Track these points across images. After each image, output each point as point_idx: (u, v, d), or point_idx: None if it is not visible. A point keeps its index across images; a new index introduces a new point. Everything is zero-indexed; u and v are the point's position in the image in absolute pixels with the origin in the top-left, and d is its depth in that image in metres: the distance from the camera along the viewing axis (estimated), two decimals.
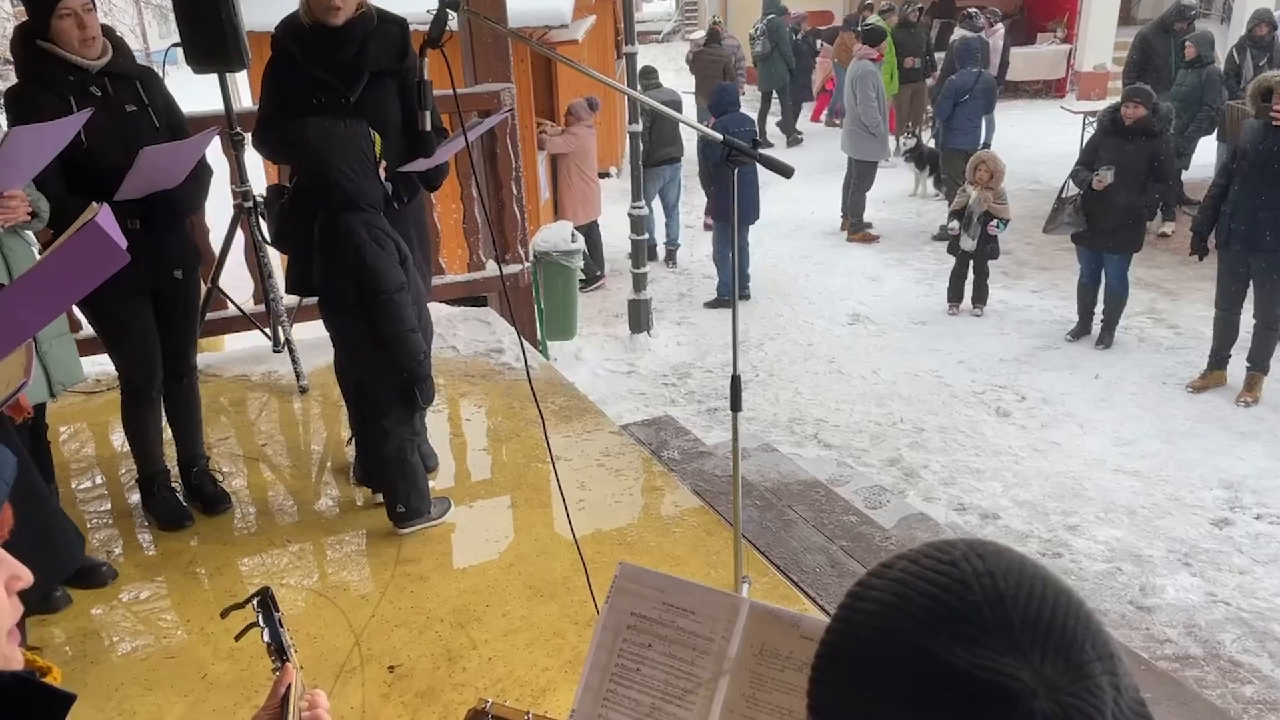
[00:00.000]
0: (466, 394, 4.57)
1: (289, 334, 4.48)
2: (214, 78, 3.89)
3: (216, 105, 4.06)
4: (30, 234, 2.77)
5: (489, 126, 3.83)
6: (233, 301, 4.59)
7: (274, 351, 4.66)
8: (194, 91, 4.87)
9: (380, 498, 3.60)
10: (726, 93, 7.83)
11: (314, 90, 3.09)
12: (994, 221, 7.33)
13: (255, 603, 1.46)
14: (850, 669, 0.71)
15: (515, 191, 4.84)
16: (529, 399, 4.49)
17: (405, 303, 3.11)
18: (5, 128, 2.72)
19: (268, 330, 4.62)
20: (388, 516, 3.46)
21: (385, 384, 3.24)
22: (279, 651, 1.40)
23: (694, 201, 11.46)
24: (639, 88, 9.16)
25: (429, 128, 2.30)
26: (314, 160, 2.97)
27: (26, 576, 0.83)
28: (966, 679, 0.65)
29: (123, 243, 1.91)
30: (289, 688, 1.33)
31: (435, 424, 4.10)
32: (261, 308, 4.63)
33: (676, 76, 15.09)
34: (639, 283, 7.36)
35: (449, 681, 2.82)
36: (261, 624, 1.43)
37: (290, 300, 4.58)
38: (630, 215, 7.14)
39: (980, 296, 7.77)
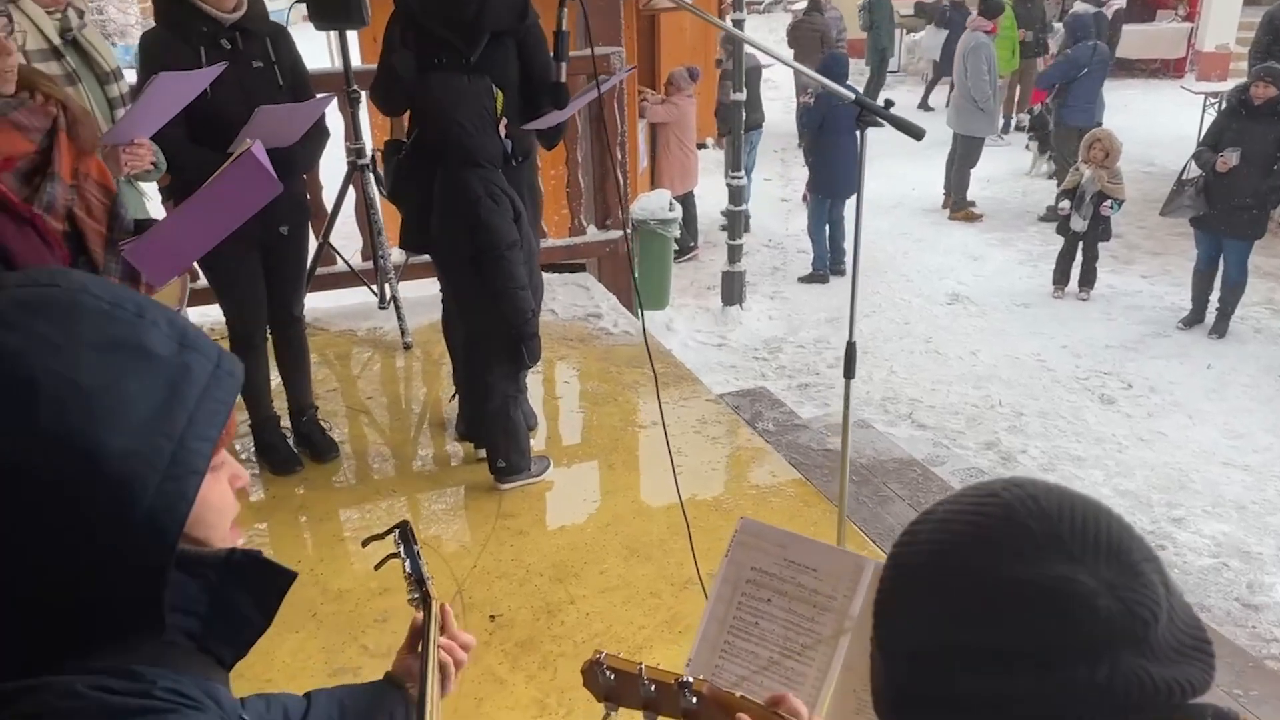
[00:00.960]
0: (565, 357, 4.61)
1: (395, 291, 4.57)
2: (322, 38, 3.95)
3: (319, 64, 4.15)
4: (143, 184, 2.85)
5: (614, 83, 3.84)
6: (342, 257, 4.70)
7: (379, 308, 4.77)
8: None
9: (481, 453, 3.67)
10: (836, 62, 7.70)
11: (435, 49, 3.12)
12: (1107, 202, 7.08)
13: (396, 534, 1.49)
14: (912, 601, 0.74)
15: (619, 157, 4.85)
16: (626, 364, 4.53)
17: (516, 260, 3.15)
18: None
19: (374, 287, 4.72)
20: (490, 471, 3.52)
21: (493, 340, 3.28)
22: (418, 582, 1.43)
23: (790, 174, 11.35)
24: (730, 54, 9.07)
25: (564, 79, 2.31)
26: (435, 114, 3.02)
27: (245, 477, 0.88)
28: (1030, 587, 0.68)
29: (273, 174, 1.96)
30: (428, 620, 1.36)
31: (534, 385, 4.15)
32: (369, 264, 4.74)
33: (775, 47, 14.88)
34: (734, 254, 7.32)
35: (548, 633, 2.87)
36: (403, 555, 1.46)
37: (397, 258, 4.68)
38: (728, 185, 7.09)
39: (1088, 279, 7.53)
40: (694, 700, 1.07)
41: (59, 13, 2.59)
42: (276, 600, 0.88)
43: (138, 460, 0.74)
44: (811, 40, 11.88)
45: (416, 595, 1.43)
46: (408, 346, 4.64)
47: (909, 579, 0.75)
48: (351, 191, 4.48)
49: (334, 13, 3.72)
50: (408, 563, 1.47)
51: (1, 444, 0.70)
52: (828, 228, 8.11)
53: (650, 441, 3.92)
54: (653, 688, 1.10)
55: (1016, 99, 12.18)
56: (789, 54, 12.81)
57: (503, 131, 3.08)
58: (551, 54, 2.31)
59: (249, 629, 0.88)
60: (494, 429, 3.45)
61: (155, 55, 2.83)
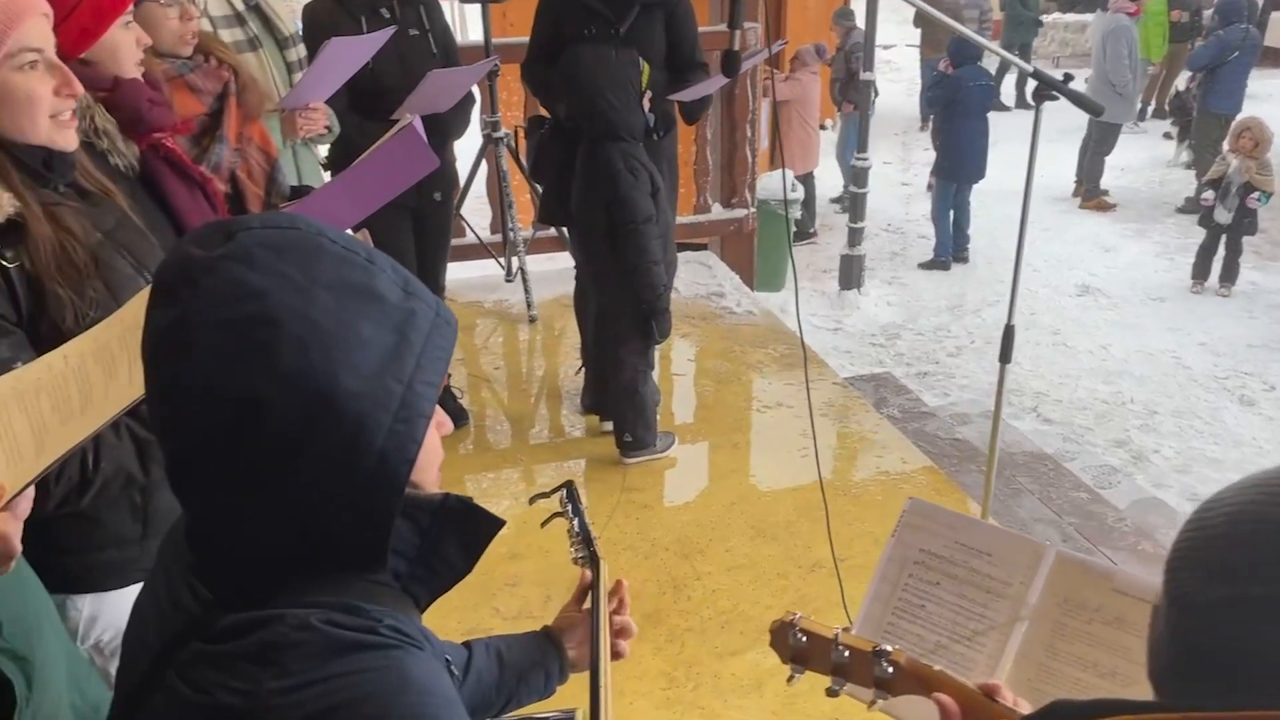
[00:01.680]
0: (687, 335, 4.60)
1: (523, 264, 4.63)
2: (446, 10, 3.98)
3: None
4: (318, 148, 2.94)
5: (761, 59, 3.81)
6: (472, 229, 4.78)
7: (506, 281, 4.84)
8: None
9: (606, 426, 3.70)
10: (969, 44, 7.47)
11: (585, 20, 3.14)
12: (1255, 194, 6.71)
13: (563, 494, 1.50)
14: (1219, 556, 0.72)
15: (749, 134, 4.80)
16: (749, 343, 4.51)
17: (651, 234, 3.16)
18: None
19: (502, 260, 4.79)
20: (616, 445, 3.54)
21: (625, 314, 3.30)
22: (585, 542, 1.45)
23: (910, 158, 11.09)
24: (850, 29, 8.89)
25: (736, 47, 2.30)
26: (582, 87, 3.04)
27: (449, 424, 0.89)
28: None
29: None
30: (597, 580, 1.37)
31: (657, 362, 4.16)
32: (498, 237, 4.81)
33: (898, 28, 14.53)
34: (854, 238, 7.18)
35: (674, 608, 2.88)
36: (570, 514, 1.48)
37: (526, 232, 4.73)
38: (854, 166, 6.95)
39: (1230, 275, 7.16)
40: (889, 670, 1.05)
41: None
42: (481, 547, 0.90)
43: (371, 402, 0.75)
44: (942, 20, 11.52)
45: (583, 554, 1.44)
46: (533, 319, 4.69)
47: (1215, 535, 0.73)
48: (484, 165, 4.54)
49: None
50: (575, 521, 1.48)
51: (246, 378, 0.72)
52: (952, 213, 7.89)
53: (774, 423, 3.89)
54: (846, 653, 1.09)
55: (1159, 84, 11.60)
56: (915, 34, 12.50)
57: (646, 105, 3.08)
58: (727, 22, 2.28)
59: (450, 574, 0.90)
60: (622, 403, 3.47)
61: (320, 24, 2.92)
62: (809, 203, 8.36)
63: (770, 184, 6.75)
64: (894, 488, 3.42)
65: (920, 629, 1.47)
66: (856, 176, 6.86)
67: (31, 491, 1.15)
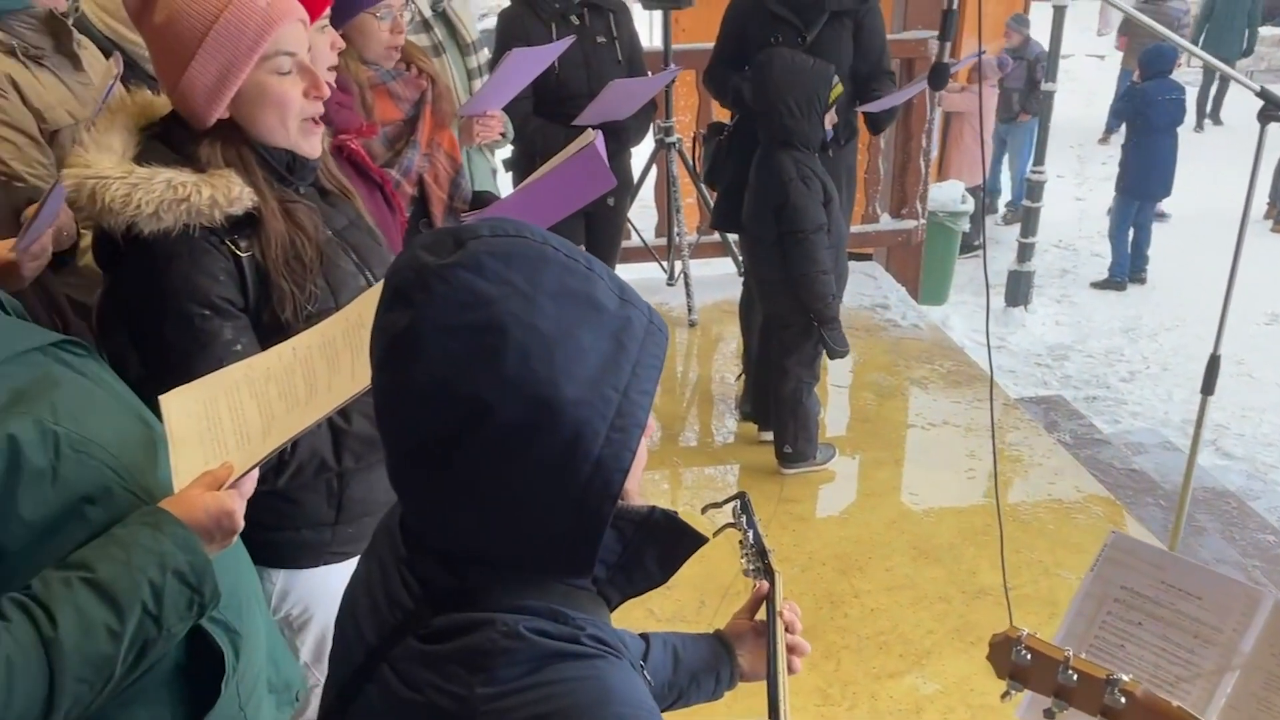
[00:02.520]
0: (850, 346, 4.52)
1: (686, 268, 4.65)
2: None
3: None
4: (492, 153, 3.03)
5: (960, 67, 3.72)
6: (637, 232, 4.84)
7: (668, 284, 4.88)
8: None
9: (764, 435, 3.68)
10: (1162, 56, 7.09)
11: (772, 28, 3.14)
12: None
13: (736, 505, 1.50)
14: None
15: (924, 145, 4.69)
16: (914, 358, 4.40)
17: (821, 244, 3.13)
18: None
19: (665, 263, 4.83)
20: (775, 455, 3.52)
21: (793, 323, 3.28)
22: (760, 554, 1.44)
23: (1086, 171, 10.59)
24: (1027, 37, 8.53)
25: (945, 59, 2.26)
26: (767, 90, 3.04)
27: (656, 430, 0.90)
28: None
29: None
30: (773, 593, 1.36)
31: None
32: (662, 240, 4.85)
33: (1079, 36, 13.90)
34: (1025, 253, 6.92)
35: (831, 624, 2.84)
36: (744, 526, 1.47)
37: (691, 237, 4.76)
38: (1029, 180, 6.71)
39: None
40: (1121, 700, 1.01)
41: None
42: (680, 562, 0.90)
43: (589, 410, 0.76)
44: (1141, 33, 10.95)
45: (757, 566, 1.43)
46: (693, 324, 4.71)
47: None
48: (653, 169, 4.59)
49: None
50: (750, 534, 1.47)
51: (472, 382, 0.74)
52: (1131, 232, 7.50)
53: (938, 441, 3.79)
54: (1075, 677, 1.05)
55: None
56: (1096, 43, 11.94)
57: (828, 122, 3.05)
58: (937, 34, 2.24)
59: (646, 583, 0.91)
60: (785, 413, 3.45)
61: (511, 31, 3.03)
62: (975, 215, 8.10)
63: (941, 195, 6.59)
64: (1067, 516, 3.28)
65: (1118, 670, 1.40)
66: (1031, 190, 6.62)
67: (256, 473, 1.22)
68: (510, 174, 3.39)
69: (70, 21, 2.15)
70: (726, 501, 1.53)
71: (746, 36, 3.19)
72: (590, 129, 2.23)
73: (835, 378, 4.31)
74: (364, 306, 1.33)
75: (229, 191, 1.36)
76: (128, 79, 2.33)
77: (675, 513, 0.88)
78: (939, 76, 2.28)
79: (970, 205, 6.64)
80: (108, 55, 2.36)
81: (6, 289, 1.45)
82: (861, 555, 3.13)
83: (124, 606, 1.04)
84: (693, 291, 4.69)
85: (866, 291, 5.00)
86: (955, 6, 2.07)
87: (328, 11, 1.99)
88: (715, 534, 1.55)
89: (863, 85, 3.22)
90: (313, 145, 1.49)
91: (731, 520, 1.50)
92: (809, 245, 3.11)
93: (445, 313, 0.75)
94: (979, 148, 7.88)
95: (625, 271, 5.16)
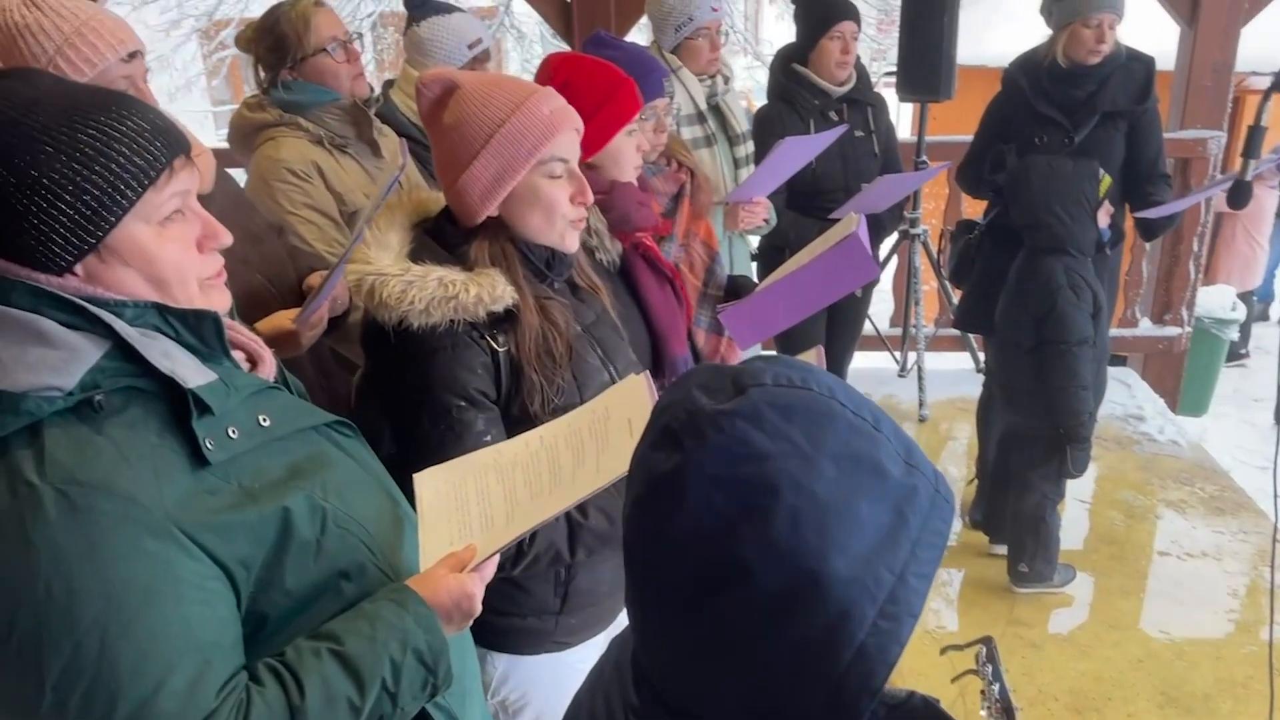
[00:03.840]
0: (1097, 458, 4.20)
1: (921, 361, 4.50)
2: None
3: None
4: (752, 239, 3.06)
5: (1261, 169, 3.45)
6: (871, 320, 4.73)
7: (899, 375, 4.73)
8: None
9: (996, 549, 3.46)
10: None
11: (1037, 128, 3.03)
12: None
13: (981, 651, 1.40)
14: None
15: (1195, 248, 4.35)
16: (1171, 478, 4.04)
17: (1085, 358, 2.93)
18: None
19: (898, 354, 4.69)
20: (1008, 571, 3.30)
21: (1040, 436, 3.08)
22: (1006, 711, 1.33)
23: None
24: None
25: (1248, 177, 2.09)
26: (1030, 197, 2.90)
27: None
28: None
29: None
30: None
31: None
32: (897, 330, 4.72)
33: None
34: None
35: None
36: (989, 677, 1.37)
37: (928, 328, 4.61)
38: None
39: None
40: None
41: (709, 79, 2.88)
42: None
43: (859, 589, 0.69)
44: None
45: None
46: (923, 419, 4.54)
47: None
48: (895, 259, 4.50)
49: (924, 85, 3.77)
50: (995, 687, 1.37)
51: (733, 541, 0.69)
52: None
53: (1195, 574, 3.44)
54: None
55: None
56: None
57: (1104, 219, 2.87)
58: (1243, 151, 2.08)
59: None
60: (1023, 529, 3.23)
61: (769, 127, 3.07)
62: (1245, 322, 7.42)
63: (1210, 301, 6.09)
64: None
65: None
66: None
67: (497, 558, 1.25)
68: (756, 264, 3.40)
69: (373, 111, 2.37)
70: (969, 645, 1.43)
71: (1007, 134, 3.08)
72: (853, 214, 2.20)
73: (1078, 492, 4.01)
74: (610, 401, 1.36)
75: (493, 290, 1.43)
76: (421, 163, 2.53)
77: (937, 701, 0.81)
78: (1240, 195, 2.10)
79: (1241, 313, 6.09)
80: (412, 142, 2.58)
81: (283, 355, 1.58)
82: (1100, 695, 2.86)
83: (366, 681, 1.07)
84: (925, 385, 4.52)
85: (1120, 400, 4.65)
86: (1265, 122, 1.90)
87: (638, 117, 2.08)
88: (954, 679, 1.46)
89: (1135, 189, 3.02)
90: (572, 242, 1.56)
91: (974, 667, 1.40)
92: (1071, 358, 2.92)
93: (716, 463, 0.71)
94: (1253, 250, 7.29)
95: (856, 359, 5.05)
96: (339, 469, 1.18)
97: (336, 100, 2.27)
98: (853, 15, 3.05)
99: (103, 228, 1.00)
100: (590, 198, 1.52)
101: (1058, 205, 2.83)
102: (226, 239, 1.12)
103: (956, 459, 4.22)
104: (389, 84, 2.78)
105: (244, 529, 1.03)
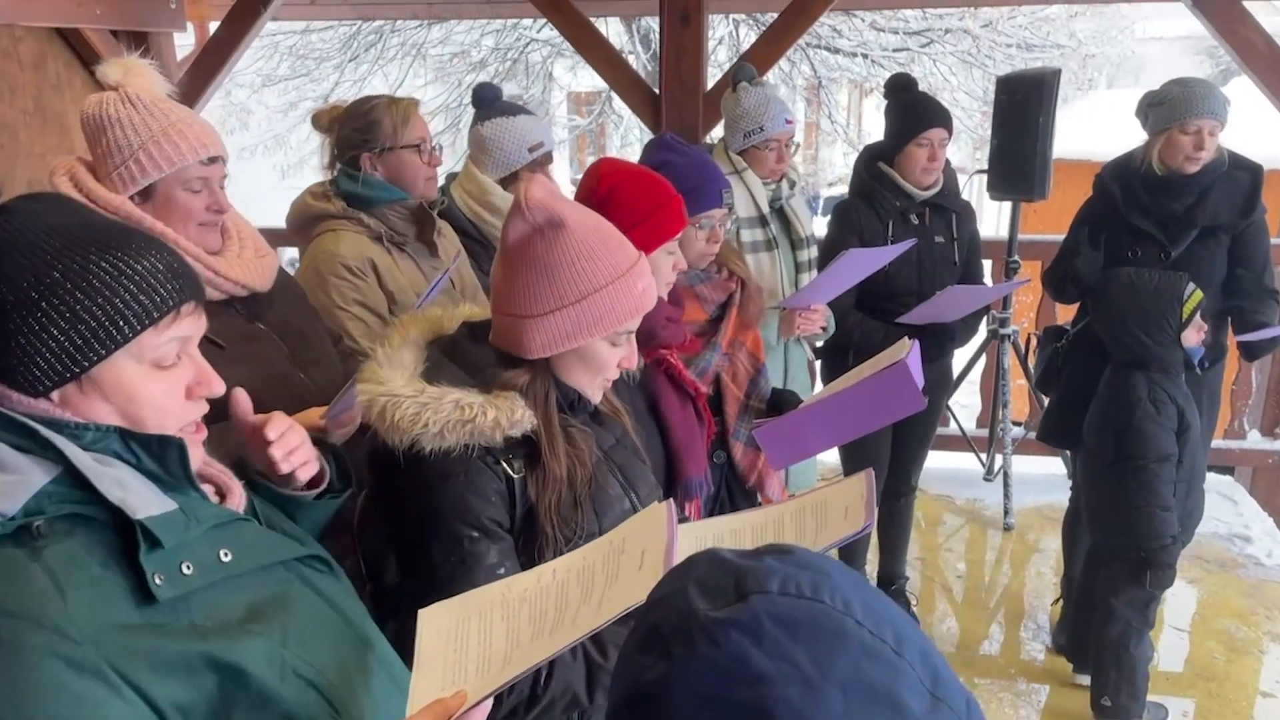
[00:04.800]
0: (1196, 580, 3.93)
1: (1007, 466, 4.30)
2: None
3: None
4: (805, 344, 2.96)
5: None
6: (956, 419, 4.56)
7: (984, 479, 4.53)
8: None
9: (1079, 677, 3.23)
10: None
11: (1130, 240, 2.87)
12: None
13: None
14: None
15: None
16: (1278, 607, 3.73)
17: (1165, 477, 2.74)
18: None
19: (984, 456, 4.50)
20: (1091, 704, 3.07)
21: (1120, 558, 2.88)
22: None
23: None
24: None
25: None
26: (1108, 314, 2.76)
27: None
28: None
29: (921, 385, 1.89)
30: None
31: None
32: (983, 432, 4.53)
33: None
34: None
35: None
36: None
37: (1017, 431, 4.40)
38: None
39: None
40: None
41: (774, 182, 2.83)
42: None
43: None
44: None
45: None
46: (1008, 527, 4.32)
47: None
48: (983, 358, 4.34)
49: (1017, 184, 3.65)
50: None
51: None
52: None
53: None
54: None
55: None
56: None
57: (1193, 338, 2.68)
58: None
59: None
60: (1107, 659, 3.00)
61: (846, 224, 2.98)
62: None
63: None
64: None
65: None
66: None
67: (490, 703, 1.17)
68: (820, 362, 3.29)
69: (436, 211, 2.38)
70: None
71: (1097, 243, 2.92)
72: (906, 338, 2.10)
73: (1174, 617, 3.73)
74: (628, 532, 1.29)
75: (512, 414, 1.37)
76: (475, 259, 2.52)
77: None
78: None
79: None
80: (464, 236, 2.59)
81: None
82: None
83: None
84: (1011, 492, 4.31)
85: (1224, 517, 4.35)
86: None
87: (695, 225, 2.04)
88: None
89: (1238, 306, 2.83)
90: (598, 396, 1.52)
91: None
92: (1148, 476, 2.74)
93: (705, 679, 0.62)
94: None
95: (939, 458, 4.85)
96: (304, 611, 1.13)
97: (404, 200, 2.29)
98: (944, 122, 2.93)
99: (91, 359, 0.98)
100: (635, 363, 1.49)
101: (1136, 325, 2.68)
102: (218, 389, 1.10)
103: (1043, 574, 3.99)
104: (451, 177, 2.80)
105: (187, 672, 0.97)
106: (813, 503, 1.52)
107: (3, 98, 3.64)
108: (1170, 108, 2.83)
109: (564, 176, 17.84)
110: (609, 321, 1.40)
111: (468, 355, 1.45)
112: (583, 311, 1.38)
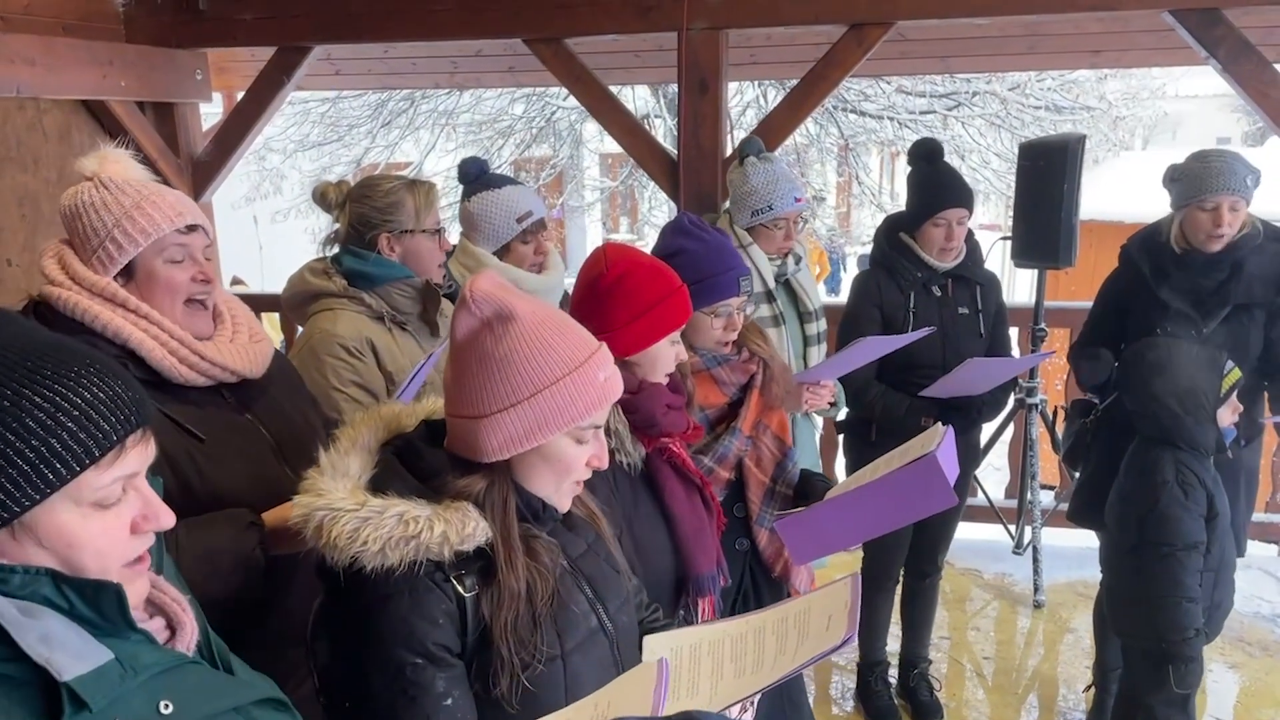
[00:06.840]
0: (1238, 665, 3.74)
1: (1037, 540, 4.15)
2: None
3: None
4: (817, 418, 2.87)
5: None
6: (983, 490, 4.43)
7: (1013, 552, 4.39)
8: None
9: None
10: None
11: (1160, 316, 2.77)
12: None
13: None
14: None
15: None
16: None
17: (1191, 566, 2.57)
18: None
19: (1013, 528, 4.35)
20: None
21: (1141, 646, 2.72)
22: None
23: None
24: None
25: None
26: (1139, 383, 2.63)
27: None
28: None
29: (953, 479, 1.79)
30: None
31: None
32: (1012, 503, 4.39)
33: None
34: None
35: None
36: None
37: (1047, 502, 4.26)
38: None
39: None
40: None
41: (780, 258, 2.77)
42: None
43: None
44: None
45: None
46: (1039, 605, 4.16)
47: None
48: (1010, 427, 4.22)
49: (1042, 251, 3.57)
50: None
51: None
52: None
53: None
54: None
55: None
56: None
57: (1228, 418, 2.56)
58: None
59: None
60: None
61: (866, 295, 2.92)
62: None
63: None
64: None
65: None
66: None
67: None
68: (842, 437, 3.20)
69: (442, 292, 2.34)
70: None
71: (1126, 321, 2.82)
72: (939, 424, 2.01)
73: (1216, 706, 3.55)
74: (614, 694, 1.22)
75: (463, 528, 1.26)
76: None
77: None
78: None
79: None
80: None
81: (289, 549, 1.47)
82: None
83: None
84: (1041, 567, 4.16)
85: (1268, 596, 4.16)
86: None
87: (711, 313, 1.99)
88: None
89: (1276, 386, 2.71)
90: (565, 504, 1.41)
91: None
92: (1173, 564, 2.56)
93: None
94: None
95: (966, 530, 4.70)
96: None
97: (410, 279, 2.26)
98: (962, 201, 2.85)
99: (23, 505, 0.90)
100: (605, 462, 1.39)
101: (1170, 397, 2.54)
102: (167, 522, 1.01)
103: (1076, 657, 3.82)
104: (448, 254, 2.79)
105: None
106: (796, 611, 1.46)
107: (27, 168, 3.69)
108: (1187, 184, 2.75)
109: (596, 236, 17.98)
110: (569, 415, 1.30)
111: (420, 460, 1.34)
112: (539, 406, 1.28)
